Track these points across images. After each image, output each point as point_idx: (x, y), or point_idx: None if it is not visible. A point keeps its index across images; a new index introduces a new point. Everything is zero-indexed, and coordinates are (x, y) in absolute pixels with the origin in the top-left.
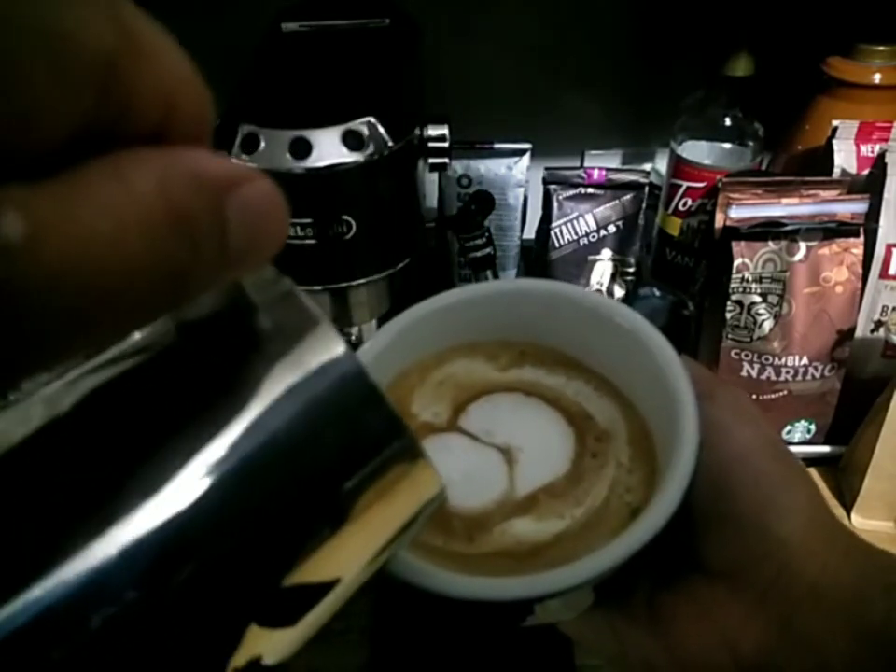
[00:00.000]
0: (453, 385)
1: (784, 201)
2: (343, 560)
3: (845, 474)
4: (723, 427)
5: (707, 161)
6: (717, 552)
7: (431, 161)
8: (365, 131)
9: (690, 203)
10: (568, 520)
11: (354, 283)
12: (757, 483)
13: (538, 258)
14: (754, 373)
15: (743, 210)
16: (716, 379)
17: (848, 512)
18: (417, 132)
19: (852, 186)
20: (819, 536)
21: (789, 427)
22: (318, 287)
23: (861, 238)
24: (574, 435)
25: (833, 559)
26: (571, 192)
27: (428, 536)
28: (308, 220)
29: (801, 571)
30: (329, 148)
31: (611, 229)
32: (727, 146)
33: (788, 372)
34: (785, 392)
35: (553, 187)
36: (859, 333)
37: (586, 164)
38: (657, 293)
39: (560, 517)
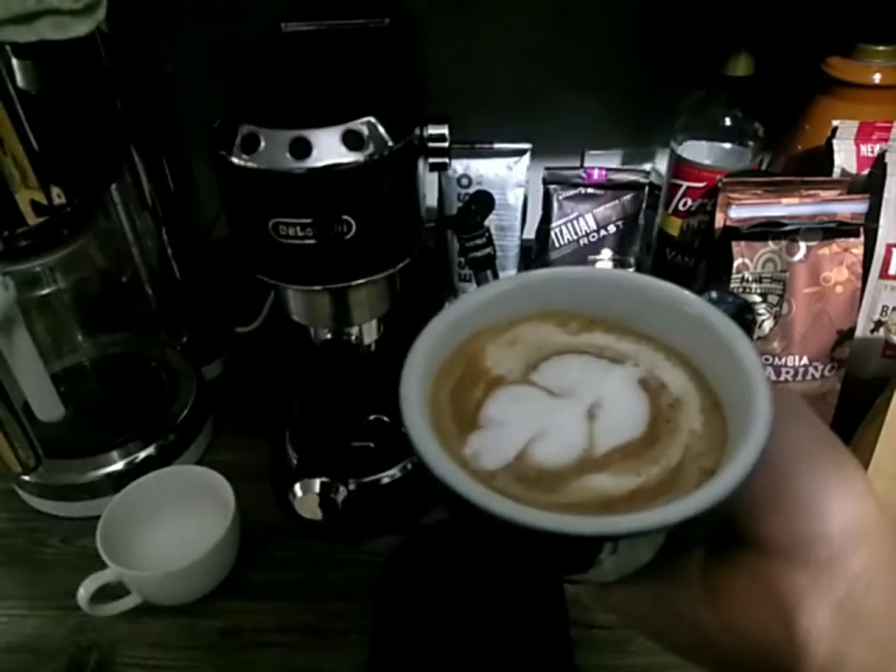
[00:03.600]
0: (524, 345)
1: (784, 201)
2: None
3: None
4: (781, 419)
5: (707, 161)
6: (772, 530)
7: (431, 160)
8: (365, 131)
9: (690, 202)
10: (644, 477)
11: (354, 283)
12: (812, 470)
13: (538, 258)
14: None
15: (743, 210)
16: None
17: None
18: (417, 132)
19: (852, 186)
20: (870, 522)
21: None
22: (318, 287)
23: (861, 238)
24: (648, 400)
25: (884, 543)
26: (571, 192)
27: (509, 485)
28: (308, 220)
29: (853, 553)
30: (329, 148)
31: (611, 229)
32: (727, 146)
33: (788, 372)
34: None
35: (552, 187)
36: (859, 333)
37: (586, 164)
38: (714, 296)
39: (636, 474)
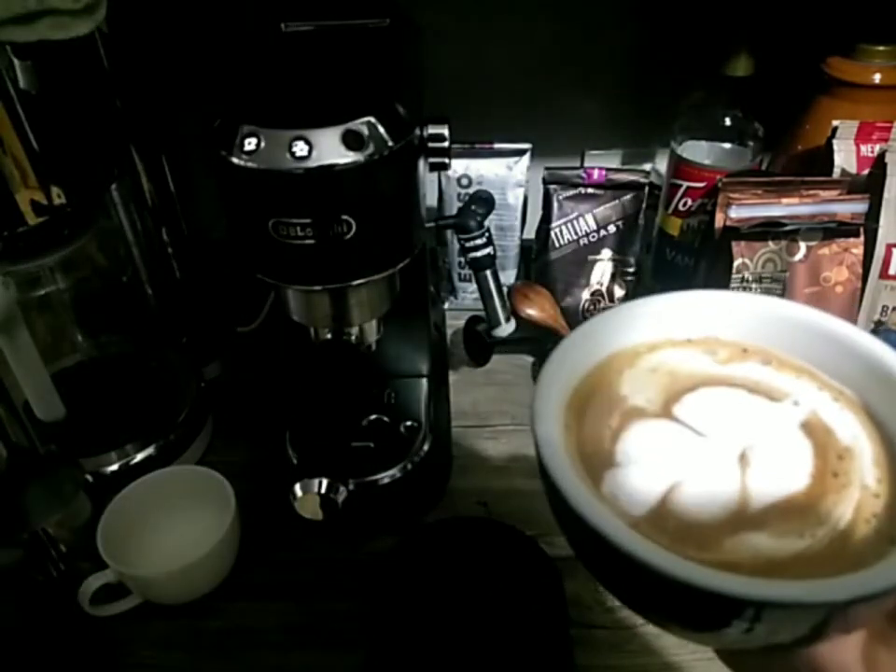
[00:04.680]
0: (667, 373)
1: (784, 201)
2: None
3: None
4: None
5: (707, 161)
6: None
7: (431, 160)
8: (365, 131)
9: (690, 202)
10: (809, 540)
11: (354, 283)
12: None
13: (538, 258)
14: None
15: (743, 210)
16: None
17: None
18: (417, 132)
19: (852, 186)
20: None
21: None
22: (318, 287)
23: (861, 238)
24: (813, 448)
25: None
26: (571, 192)
27: (655, 533)
28: (308, 220)
29: None
30: (328, 148)
31: (611, 229)
32: (727, 146)
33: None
34: None
35: (552, 187)
36: None
37: (586, 164)
38: (888, 334)
39: (800, 535)
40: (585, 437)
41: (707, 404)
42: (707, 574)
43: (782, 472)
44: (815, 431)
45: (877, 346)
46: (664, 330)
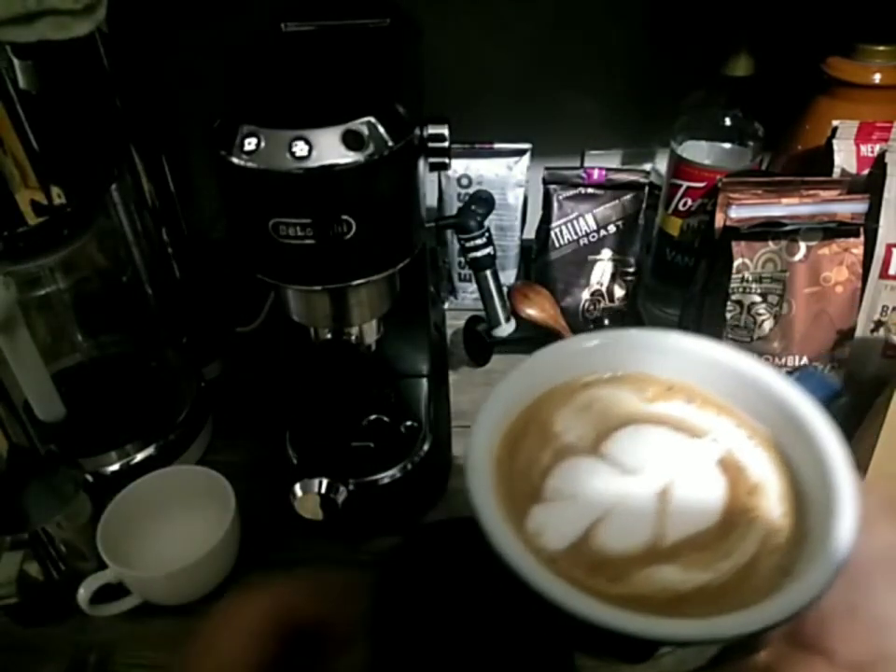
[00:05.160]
0: (598, 411)
1: (784, 201)
2: None
3: None
4: (869, 521)
5: (707, 161)
6: (845, 642)
7: (431, 160)
8: (365, 131)
9: (690, 202)
10: (713, 573)
11: (354, 283)
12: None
13: (538, 258)
14: None
15: (743, 210)
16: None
17: None
18: (417, 132)
19: (852, 186)
20: None
21: None
22: (318, 287)
23: (861, 238)
24: (726, 484)
25: None
26: (571, 192)
27: (571, 568)
28: (308, 220)
29: None
30: (328, 148)
31: (611, 229)
32: (727, 146)
33: (788, 372)
34: None
35: (552, 187)
36: (859, 333)
37: (586, 164)
38: (807, 374)
39: (705, 569)
40: (516, 471)
41: (634, 441)
42: (602, 610)
43: (697, 507)
44: (729, 468)
45: (790, 390)
46: (599, 367)
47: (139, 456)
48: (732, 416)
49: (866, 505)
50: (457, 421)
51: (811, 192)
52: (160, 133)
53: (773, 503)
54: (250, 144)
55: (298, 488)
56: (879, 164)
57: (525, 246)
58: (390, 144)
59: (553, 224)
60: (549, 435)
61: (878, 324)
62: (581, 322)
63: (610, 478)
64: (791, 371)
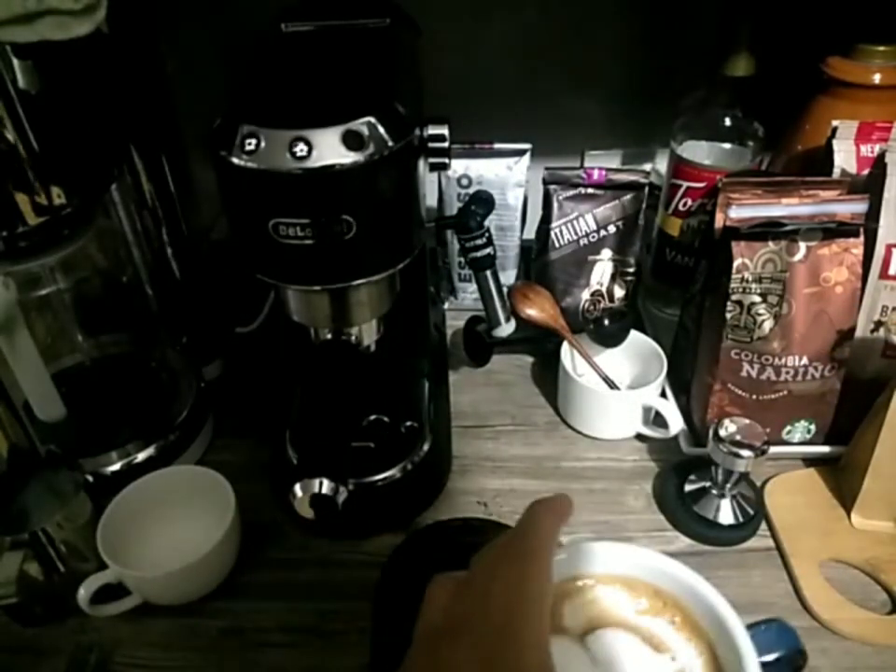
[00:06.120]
0: (597, 608)
1: (784, 201)
2: None
3: (844, 474)
4: None
5: (707, 161)
6: None
7: (431, 160)
8: (365, 131)
9: (690, 202)
10: None
11: (354, 283)
12: None
13: (538, 258)
14: (754, 373)
15: (743, 210)
16: None
17: (848, 512)
18: (417, 132)
19: (852, 186)
20: None
21: (788, 428)
22: (318, 287)
23: (861, 238)
24: None
25: None
26: (571, 192)
27: None
28: (308, 220)
29: None
30: (328, 148)
31: (611, 229)
32: (727, 146)
33: (788, 373)
34: (785, 392)
35: (552, 187)
36: (859, 333)
37: (586, 164)
38: (771, 628)
39: None
40: None
41: (610, 642)
42: None
43: None
44: None
45: (748, 646)
46: (615, 567)
47: (139, 456)
48: (701, 641)
49: None
50: (457, 421)
51: (811, 192)
52: (160, 133)
53: None
54: (250, 144)
55: (298, 488)
56: (879, 164)
57: (525, 247)
58: (390, 144)
59: (553, 224)
60: (557, 613)
61: (878, 324)
62: (581, 322)
63: (584, 666)
64: (754, 624)
